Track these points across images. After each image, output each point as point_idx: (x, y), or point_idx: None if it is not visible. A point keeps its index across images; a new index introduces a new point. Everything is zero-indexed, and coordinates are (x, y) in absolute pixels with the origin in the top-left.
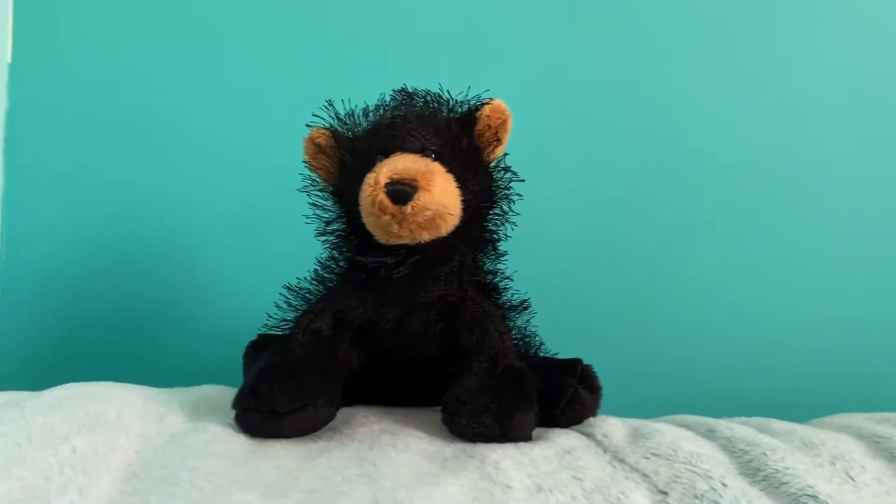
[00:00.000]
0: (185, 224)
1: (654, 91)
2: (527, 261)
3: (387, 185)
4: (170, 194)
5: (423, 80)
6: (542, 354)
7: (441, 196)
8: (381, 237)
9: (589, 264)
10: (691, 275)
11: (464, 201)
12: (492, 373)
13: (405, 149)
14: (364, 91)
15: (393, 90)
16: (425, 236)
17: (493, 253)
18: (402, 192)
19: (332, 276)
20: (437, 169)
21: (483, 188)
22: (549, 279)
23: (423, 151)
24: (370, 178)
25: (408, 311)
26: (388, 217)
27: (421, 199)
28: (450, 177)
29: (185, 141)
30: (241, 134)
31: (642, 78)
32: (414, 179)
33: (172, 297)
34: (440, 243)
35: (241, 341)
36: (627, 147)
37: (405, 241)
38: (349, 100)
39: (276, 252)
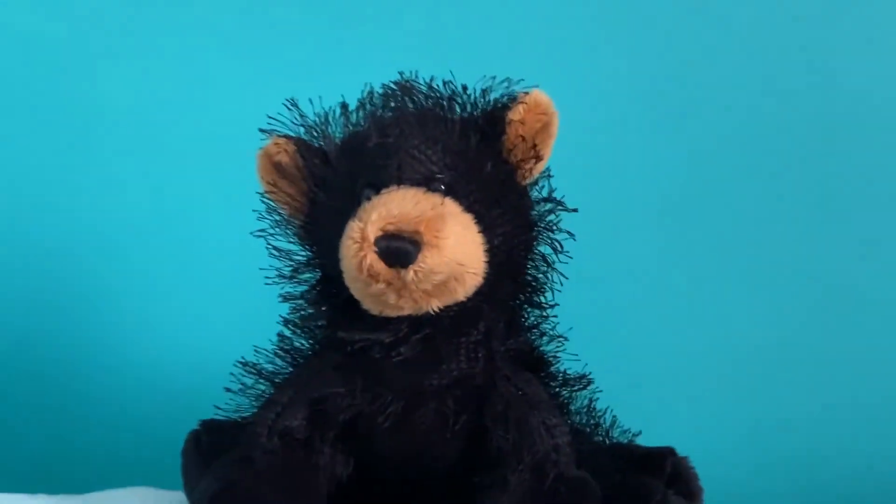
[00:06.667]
0: (93, 263)
1: None
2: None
3: (378, 241)
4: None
5: (427, 65)
6: (614, 437)
7: (455, 251)
8: (372, 308)
9: (680, 307)
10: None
11: (489, 251)
12: (537, 487)
13: (403, 179)
14: (342, 81)
15: (384, 84)
16: (434, 305)
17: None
18: (399, 251)
19: (307, 342)
20: (450, 210)
21: (517, 226)
22: (620, 328)
23: (428, 183)
24: (354, 230)
25: (415, 400)
26: (381, 285)
27: (427, 259)
28: (468, 219)
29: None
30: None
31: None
32: (416, 232)
33: (77, 361)
34: (457, 308)
35: (179, 428)
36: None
37: (407, 311)
38: (320, 98)
39: (227, 300)
